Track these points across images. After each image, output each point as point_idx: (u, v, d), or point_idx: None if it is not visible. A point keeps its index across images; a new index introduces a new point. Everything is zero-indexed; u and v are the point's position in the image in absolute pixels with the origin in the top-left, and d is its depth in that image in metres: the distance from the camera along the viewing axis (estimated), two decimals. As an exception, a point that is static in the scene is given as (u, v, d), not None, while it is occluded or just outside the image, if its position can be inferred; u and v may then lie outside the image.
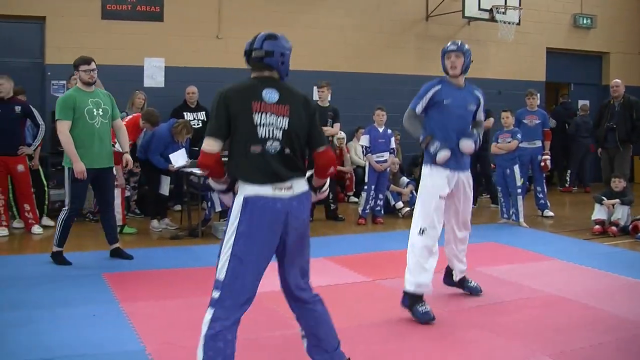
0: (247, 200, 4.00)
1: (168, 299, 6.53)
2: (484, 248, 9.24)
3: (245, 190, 4.03)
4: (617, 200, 10.41)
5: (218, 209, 10.09)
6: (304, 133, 4.26)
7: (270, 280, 6.45)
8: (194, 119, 12.08)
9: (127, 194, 10.71)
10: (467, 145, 6.15)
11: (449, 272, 6.89)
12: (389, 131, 11.38)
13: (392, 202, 12.00)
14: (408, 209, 11.86)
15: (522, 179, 11.42)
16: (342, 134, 13.29)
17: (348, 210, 12.48)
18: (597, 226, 10.40)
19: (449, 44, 6.34)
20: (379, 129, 11.31)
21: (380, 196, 11.41)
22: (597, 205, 10.58)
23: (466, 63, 6.25)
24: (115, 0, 12.59)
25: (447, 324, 5.90)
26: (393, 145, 11.39)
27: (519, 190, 11.03)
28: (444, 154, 6.08)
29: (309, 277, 4.45)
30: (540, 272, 7.87)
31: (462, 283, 6.83)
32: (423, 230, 6.12)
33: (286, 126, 4.15)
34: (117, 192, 9.78)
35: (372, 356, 5.14)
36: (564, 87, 17.93)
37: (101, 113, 7.97)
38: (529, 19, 15.71)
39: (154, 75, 12.83)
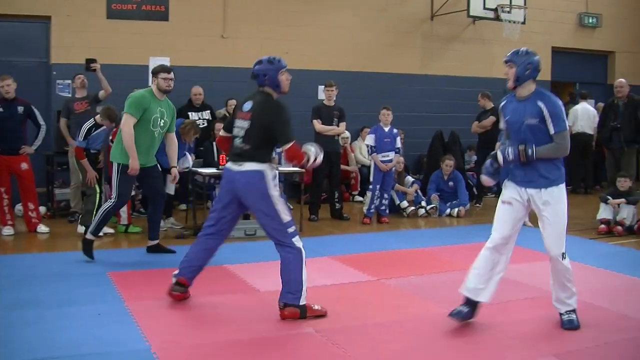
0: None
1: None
2: (489, 247, 9.23)
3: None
4: (623, 199, 10.39)
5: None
6: (264, 133, 5.82)
7: (278, 280, 6.43)
8: (199, 118, 12.06)
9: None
10: (483, 180, 6.16)
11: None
12: (395, 130, 11.37)
13: (397, 202, 12.00)
14: (413, 208, 11.87)
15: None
16: (347, 134, 13.29)
17: (353, 209, 12.47)
18: (602, 226, 10.38)
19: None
20: (384, 128, 11.30)
21: (386, 195, 11.39)
22: (602, 205, 10.57)
23: (519, 72, 5.73)
24: (121, 0, 12.60)
25: (453, 324, 5.88)
26: (398, 144, 11.38)
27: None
28: (484, 179, 6.16)
29: (277, 237, 5.88)
30: (546, 271, 7.81)
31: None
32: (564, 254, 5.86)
33: (247, 127, 5.86)
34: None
35: (377, 356, 5.13)
36: (570, 85, 17.89)
37: (162, 124, 8.17)
38: (534, 18, 15.65)
39: (159, 75, 12.80)
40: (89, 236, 8.10)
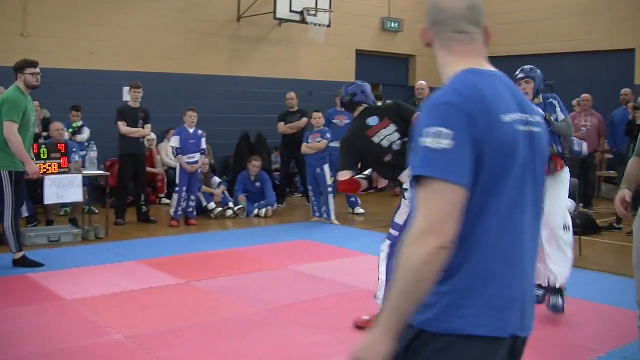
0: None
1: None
2: (297, 246, 9.38)
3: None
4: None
5: (24, 214, 9.74)
6: (406, 125, 5.86)
7: (84, 287, 6.27)
8: (-3, 120, 11.55)
9: None
10: None
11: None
12: (200, 132, 11.33)
13: (204, 203, 11.95)
14: (220, 209, 11.86)
15: (333, 178, 11.64)
16: (153, 135, 13.08)
17: (160, 212, 12.31)
18: (406, 222, 10.77)
19: (517, 71, 6.40)
20: (189, 129, 11.23)
21: (192, 197, 11.33)
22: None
23: (537, 86, 6.31)
24: None
25: (262, 321, 5.95)
26: (204, 145, 11.35)
27: (330, 189, 11.23)
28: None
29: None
30: (353, 267, 8.06)
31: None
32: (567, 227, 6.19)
33: (395, 128, 5.89)
34: None
35: (187, 357, 5.11)
36: (374, 87, 18.40)
37: (32, 120, 7.89)
38: (339, 21, 16.00)
39: (-48, 74, 12.19)
40: (18, 254, 7.83)
